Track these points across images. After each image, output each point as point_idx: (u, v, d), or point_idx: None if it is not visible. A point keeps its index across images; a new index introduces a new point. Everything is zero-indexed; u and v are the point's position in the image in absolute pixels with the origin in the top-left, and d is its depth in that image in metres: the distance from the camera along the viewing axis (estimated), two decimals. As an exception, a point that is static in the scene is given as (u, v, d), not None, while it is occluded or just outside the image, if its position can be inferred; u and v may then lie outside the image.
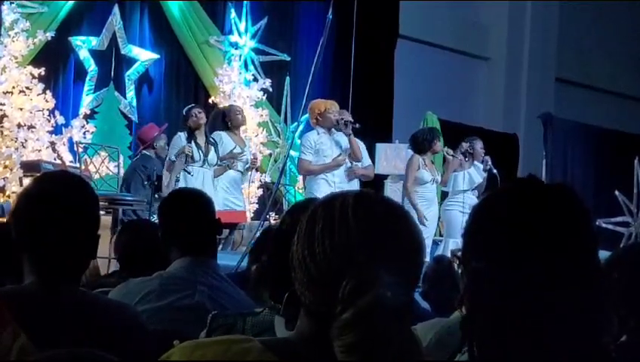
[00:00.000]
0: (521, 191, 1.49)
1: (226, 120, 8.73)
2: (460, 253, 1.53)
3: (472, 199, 9.08)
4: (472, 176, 9.19)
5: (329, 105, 8.34)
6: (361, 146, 8.84)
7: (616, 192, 11.40)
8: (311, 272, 1.43)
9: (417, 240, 1.48)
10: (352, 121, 8.26)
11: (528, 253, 1.43)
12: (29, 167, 8.80)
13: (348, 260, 1.39)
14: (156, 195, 8.23)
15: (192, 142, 8.40)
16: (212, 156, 8.49)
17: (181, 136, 8.45)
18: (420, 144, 9.02)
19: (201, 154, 8.42)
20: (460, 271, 1.60)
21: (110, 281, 3.74)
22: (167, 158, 8.47)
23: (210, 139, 8.54)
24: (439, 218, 9.63)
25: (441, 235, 10.00)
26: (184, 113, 8.64)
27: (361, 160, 8.46)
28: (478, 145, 9.29)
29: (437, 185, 9.08)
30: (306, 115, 9.34)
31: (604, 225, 10.94)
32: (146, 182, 8.21)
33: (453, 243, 8.89)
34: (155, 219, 6.57)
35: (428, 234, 8.72)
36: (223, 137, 8.67)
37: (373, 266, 1.37)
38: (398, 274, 1.37)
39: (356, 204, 1.45)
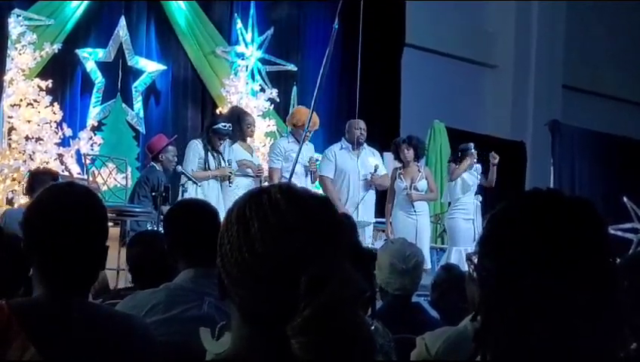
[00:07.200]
0: (539, 202, 1.49)
1: (236, 128, 8.70)
2: (474, 257, 1.53)
3: (473, 204, 9.07)
4: (465, 180, 9.17)
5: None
6: (376, 155, 8.96)
7: (625, 199, 11.37)
8: (254, 271, 1.44)
9: (347, 218, 1.50)
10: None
11: (544, 263, 1.42)
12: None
13: (294, 252, 1.40)
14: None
15: (210, 151, 8.45)
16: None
17: (198, 145, 8.49)
18: (394, 154, 9.09)
19: (217, 164, 8.49)
20: (472, 271, 1.60)
21: (128, 293, 3.73)
22: (183, 166, 8.46)
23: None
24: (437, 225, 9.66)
25: (443, 243, 9.98)
26: (211, 123, 8.72)
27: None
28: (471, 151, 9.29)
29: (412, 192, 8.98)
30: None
31: (612, 232, 10.90)
32: (152, 194, 8.19)
33: (457, 251, 8.85)
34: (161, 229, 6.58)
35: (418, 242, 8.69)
36: (232, 147, 8.69)
37: (325, 256, 1.38)
38: (344, 258, 1.38)
39: (284, 196, 1.46)
